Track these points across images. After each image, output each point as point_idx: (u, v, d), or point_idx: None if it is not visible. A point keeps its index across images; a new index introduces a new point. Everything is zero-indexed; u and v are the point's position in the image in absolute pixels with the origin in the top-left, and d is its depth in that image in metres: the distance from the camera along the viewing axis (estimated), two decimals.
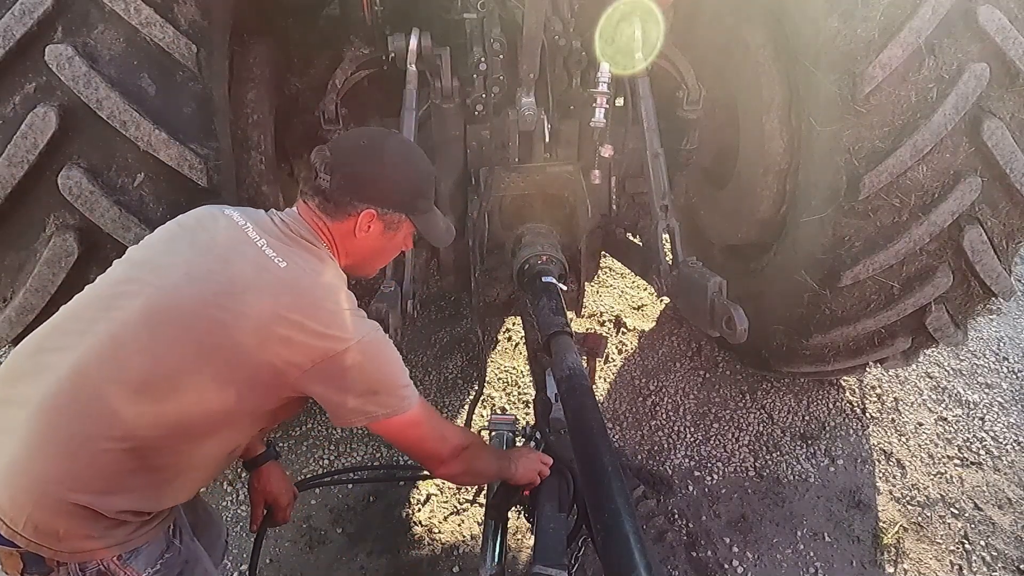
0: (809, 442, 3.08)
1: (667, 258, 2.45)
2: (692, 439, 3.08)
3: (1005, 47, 2.00)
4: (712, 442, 3.07)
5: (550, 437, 1.85)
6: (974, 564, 2.64)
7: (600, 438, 1.56)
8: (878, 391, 3.34)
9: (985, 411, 3.25)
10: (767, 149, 2.57)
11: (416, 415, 1.48)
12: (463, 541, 2.66)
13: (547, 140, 2.46)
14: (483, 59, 2.28)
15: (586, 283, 2.96)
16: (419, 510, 2.76)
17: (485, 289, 2.74)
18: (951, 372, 3.44)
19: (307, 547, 2.63)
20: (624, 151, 2.63)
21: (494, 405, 3.20)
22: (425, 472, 2.64)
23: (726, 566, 2.60)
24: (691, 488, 2.88)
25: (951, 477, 2.95)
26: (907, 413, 3.24)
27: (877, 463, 3.01)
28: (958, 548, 2.70)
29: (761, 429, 3.13)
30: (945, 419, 3.21)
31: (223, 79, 2.14)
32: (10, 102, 1.78)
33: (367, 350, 1.38)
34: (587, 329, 3.58)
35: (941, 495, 2.88)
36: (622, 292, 3.89)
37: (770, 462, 2.99)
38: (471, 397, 3.19)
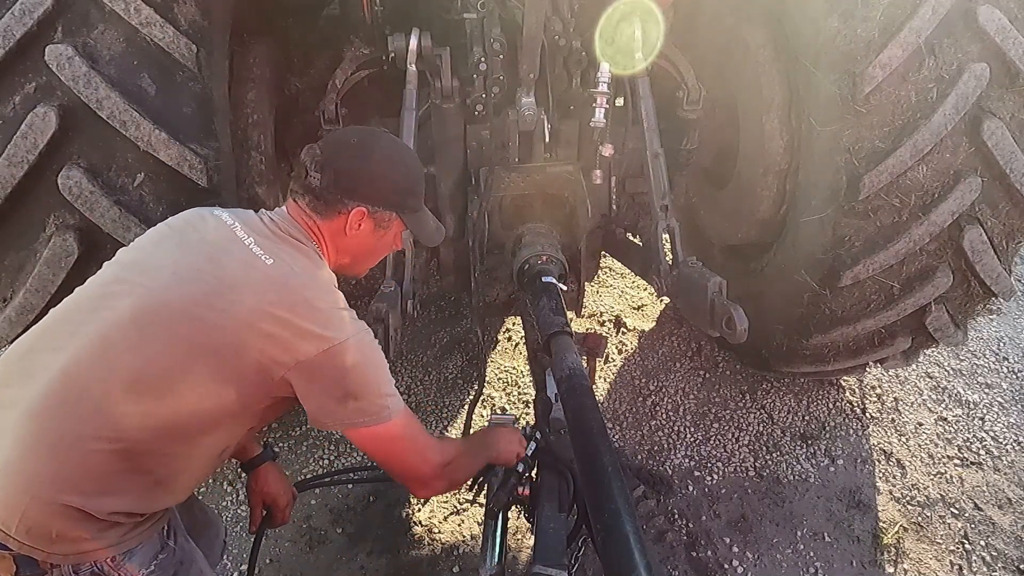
0: (809, 442, 3.08)
1: (667, 258, 2.45)
2: (692, 439, 3.08)
3: (1005, 47, 2.00)
4: (712, 442, 3.07)
5: (550, 437, 1.85)
6: (974, 564, 2.64)
7: (600, 438, 1.56)
8: (878, 391, 3.34)
9: (985, 411, 3.25)
10: (767, 149, 2.57)
11: (395, 428, 1.45)
12: (463, 541, 2.66)
13: (547, 140, 2.46)
14: (483, 59, 2.28)
15: (586, 283, 2.96)
16: (419, 510, 2.76)
17: (485, 289, 2.74)
18: (951, 372, 3.44)
19: (307, 547, 2.63)
20: (624, 151, 2.63)
21: (494, 405, 3.20)
22: None
23: (726, 566, 2.60)
24: (691, 488, 2.88)
25: (951, 477, 2.95)
26: (907, 413, 3.24)
27: (877, 463, 3.01)
28: (958, 548, 2.70)
29: (761, 429, 3.13)
30: (945, 419, 3.21)
31: (223, 79, 2.14)
32: (10, 102, 1.78)
33: (352, 351, 1.36)
34: (587, 329, 3.58)
35: (941, 495, 2.88)
36: (622, 292, 3.89)
37: (770, 462, 2.99)
38: (471, 397, 3.19)
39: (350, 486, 2.83)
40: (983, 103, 2.04)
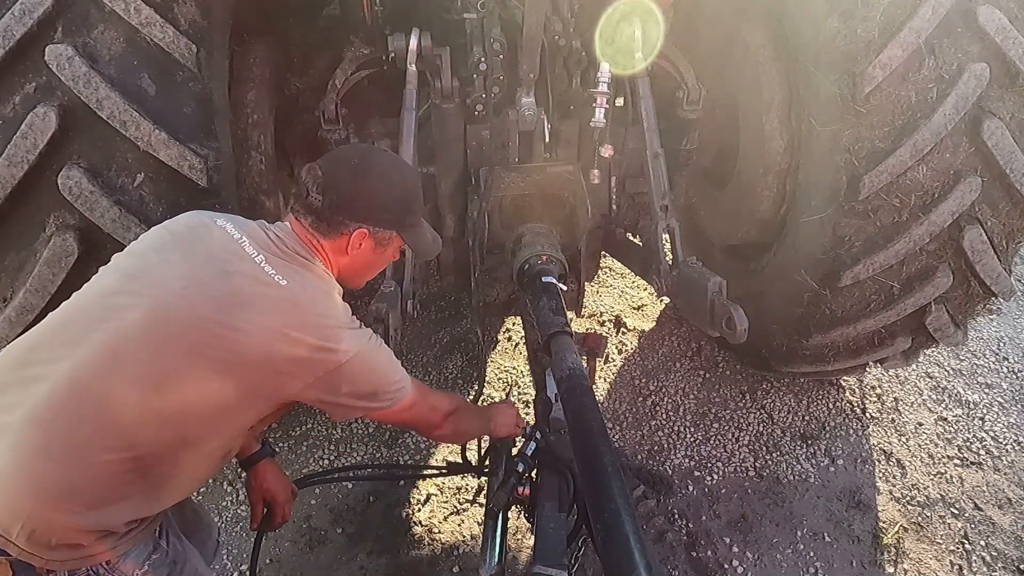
0: (809, 442, 3.08)
1: (667, 258, 2.45)
2: (692, 439, 3.08)
3: (1005, 47, 2.00)
4: (712, 442, 3.07)
5: (550, 437, 1.85)
6: (974, 564, 2.64)
7: (600, 438, 1.56)
8: (878, 391, 3.34)
9: (985, 411, 3.25)
10: (767, 149, 2.57)
11: (410, 401, 1.58)
12: (463, 541, 2.66)
13: (547, 140, 2.46)
14: (483, 59, 2.28)
15: (586, 283, 2.96)
16: (419, 510, 2.76)
17: (485, 289, 2.74)
18: (951, 372, 3.44)
19: (307, 547, 2.63)
20: (624, 151, 2.63)
21: None
22: (424, 472, 2.64)
23: (726, 566, 2.60)
24: (691, 488, 2.88)
25: (951, 477, 2.95)
26: (907, 413, 3.24)
27: (877, 463, 3.01)
28: (958, 548, 2.70)
29: (761, 429, 3.13)
30: (945, 419, 3.21)
31: (223, 79, 2.14)
32: (10, 102, 1.78)
33: (365, 360, 1.45)
34: (587, 329, 3.58)
35: (941, 495, 2.88)
36: (622, 292, 3.89)
37: (770, 462, 2.99)
38: (471, 397, 3.19)
39: (350, 486, 2.84)
40: (983, 103, 2.04)
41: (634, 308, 3.79)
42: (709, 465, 2.97)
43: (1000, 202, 2.17)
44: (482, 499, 2.74)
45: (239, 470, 2.83)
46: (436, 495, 2.82)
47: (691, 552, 2.64)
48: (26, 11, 1.72)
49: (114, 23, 1.79)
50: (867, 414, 3.23)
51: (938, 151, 2.08)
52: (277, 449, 1.96)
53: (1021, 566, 2.64)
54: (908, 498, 2.87)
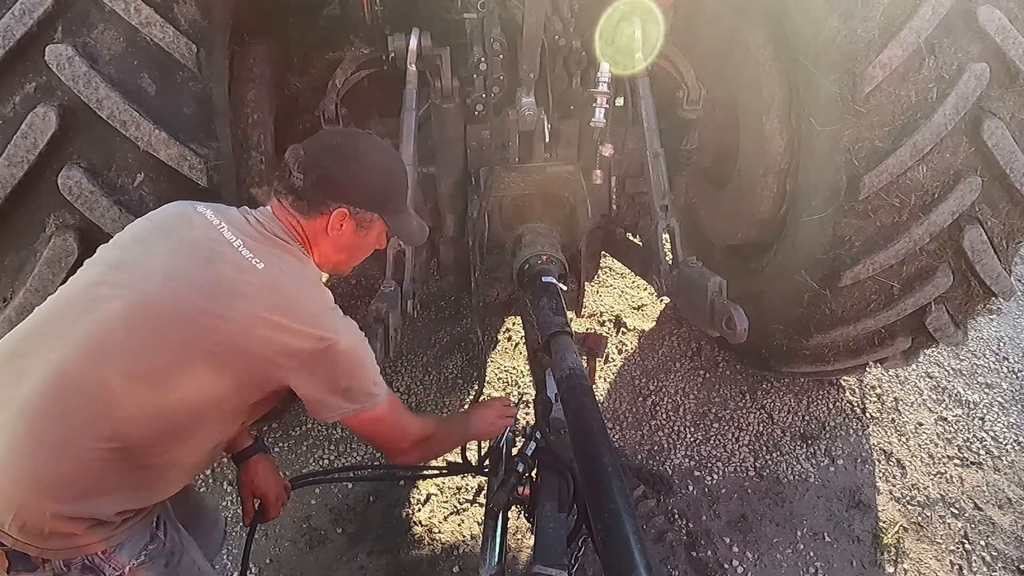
0: (809, 442, 3.08)
1: (667, 258, 2.45)
2: (692, 439, 3.08)
3: (1005, 47, 2.00)
4: (712, 442, 3.07)
5: (550, 437, 1.85)
6: (974, 564, 2.64)
7: (600, 438, 1.56)
8: (878, 391, 3.34)
9: (985, 411, 3.25)
10: (767, 149, 2.57)
11: (382, 411, 1.53)
12: (463, 541, 2.66)
13: (547, 140, 2.45)
14: (483, 59, 2.28)
15: (586, 283, 2.96)
16: (419, 510, 2.76)
17: (485, 289, 2.74)
18: (951, 372, 3.44)
19: (307, 547, 2.63)
20: (624, 151, 2.63)
21: None
22: (424, 472, 2.63)
23: (726, 566, 2.60)
24: (691, 488, 2.88)
25: (951, 477, 2.95)
26: (907, 413, 3.24)
27: (877, 463, 3.01)
28: (958, 548, 2.70)
29: (761, 429, 3.13)
30: (945, 419, 3.21)
31: (223, 79, 2.14)
32: (10, 102, 1.78)
33: (347, 348, 1.42)
34: (587, 329, 3.58)
35: (941, 495, 2.88)
36: (622, 292, 3.89)
37: (770, 462, 2.99)
38: (471, 397, 3.20)
39: (350, 486, 2.84)
40: (983, 103, 2.04)
41: (634, 308, 3.79)
42: (709, 465, 2.97)
43: (1000, 202, 2.17)
44: (482, 499, 2.74)
45: None
46: (436, 495, 2.82)
47: (691, 552, 2.64)
48: (26, 11, 1.72)
49: (114, 23, 1.80)
50: (867, 414, 3.23)
51: (938, 151, 2.08)
52: (274, 448, 1.94)
53: (1021, 566, 2.64)
54: (908, 498, 2.87)
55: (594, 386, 1.98)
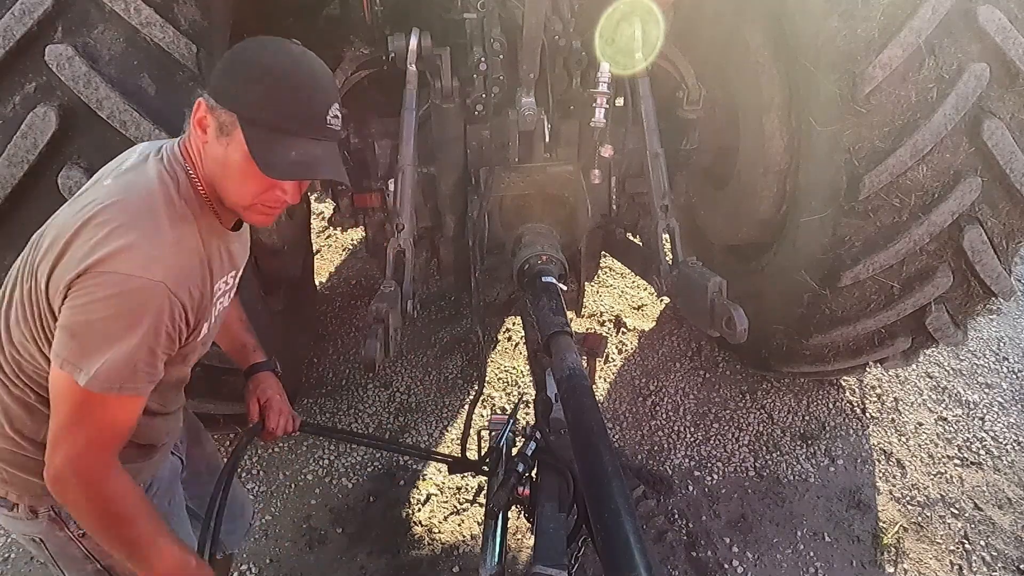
0: (809, 442, 3.08)
1: (667, 258, 2.45)
2: (692, 439, 3.08)
3: (1005, 47, 2.00)
4: (712, 442, 3.07)
5: (550, 437, 1.85)
6: (974, 564, 2.64)
7: (600, 438, 1.56)
8: (878, 391, 3.34)
9: (985, 411, 3.25)
10: (767, 149, 2.57)
11: (80, 395, 1.20)
12: (463, 541, 2.66)
13: (547, 140, 2.46)
14: (483, 59, 2.28)
15: (586, 283, 2.96)
16: (419, 510, 2.76)
17: (485, 289, 2.74)
18: (951, 372, 3.44)
19: (307, 547, 2.63)
20: (624, 151, 2.63)
21: (494, 405, 3.20)
22: (425, 455, 2.59)
23: (726, 566, 2.60)
24: (691, 488, 2.88)
25: (951, 477, 2.95)
26: (907, 413, 3.24)
27: (877, 463, 3.01)
28: (958, 548, 2.70)
29: (761, 429, 3.13)
30: (945, 419, 3.21)
31: None
32: (10, 102, 1.78)
33: (106, 288, 1.17)
34: (587, 329, 3.58)
35: (941, 495, 2.88)
36: (622, 292, 3.89)
37: (770, 462, 2.99)
38: (471, 397, 3.20)
39: (350, 486, 2.84)
40: (983, 103, 2.05)
41: (634, 308, 3.79)
42: (709, 465, 2.97)
43: (1000, 202, 2.17)
44: (482, 499, 2.74)
45: (254, 472, 2.83)
46: (436, 495, 2.82)
47: (691, 552, 2.64)
48: (26, 11, 1.72)
49: (114, 23, 1.80)
50: (867, 414, 3.23)
51: (938, 151, 2.08)
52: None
53: (1021, 566, 2.64)
54: (908, 498, 2.87)
55: (594, 386, 1.98)
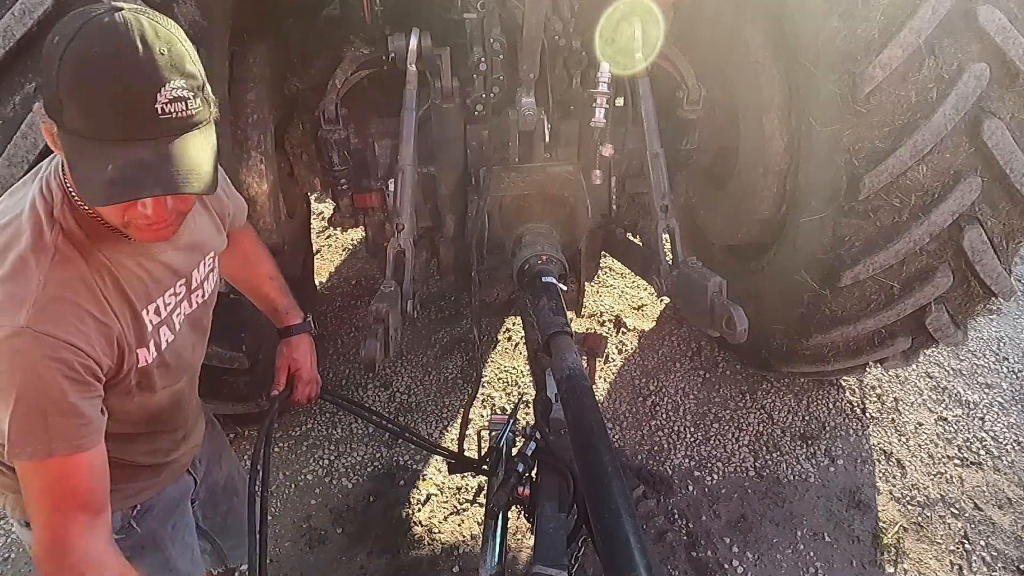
0: (809, 442, 3.08)
1: (667, 258, 2.45)
2: (692, 439, 3.08)
3: (1005, 47, 2.00)
4: (712, 442, 3.07)
5: (550, 437, 1.85)
6: (974, 564, 2.64)
7: (600, 438, 1.56)
8: (878, 391, 3.34)
9: (985, 411, 3.25)
10: (767, 149, 2.57)
11: (24, 470, 1.10)
12: (463, 541, 2.66)
13: (547, 140, 2.46)
14: (483, 59, 2.28)
15: (586, 283, 2.96)
16: (419, 510, 2.76)
17: (485, 289, 2.74)
18: (951, 372, 3.44)
19: (307, 547, 2.63)
20: (624, 151, 2.63)
21: (494, 405, 3.20)
22: (431, 446, 2.58)
23: (726, 566, 2.60)
24: (691, 488, 2.88)
25: (951, 477, 2.95)
26: (907, 413, 3.24)
27: (877, 463, 3.01)
28: (958, 548, 2.70)
29: (761, 429, 3.13)
30: (945, 419, 3.21)
31: (223, 79, 2.13)
32: (10, 102, 1.78)
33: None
34: (587, 329, 3.58)
35: (941, 495, 2.88)
36: (622, 292, 3.89)
37: (770, 462, 2.99)
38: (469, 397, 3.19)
39: (350, 486, 2.84)
40: (983, 103, 2.04)
41: (634, 308, 3.79)
42: (709, 465, 2.97)
43: (1000, 202, 2.17)
44: (482, 499, 2.74)
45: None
46: (436, 495, 2.82)
47: (691, 552, 2.64)
48: (26, 11, 1.72)
49: None
50: (867, 414, 3.23)
51: (938, 151, 2.08)
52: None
53: (1021, 566, 2.64)
54: (908, 498, 2.87)
55: (594, 386, 1.98)
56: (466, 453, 2.12)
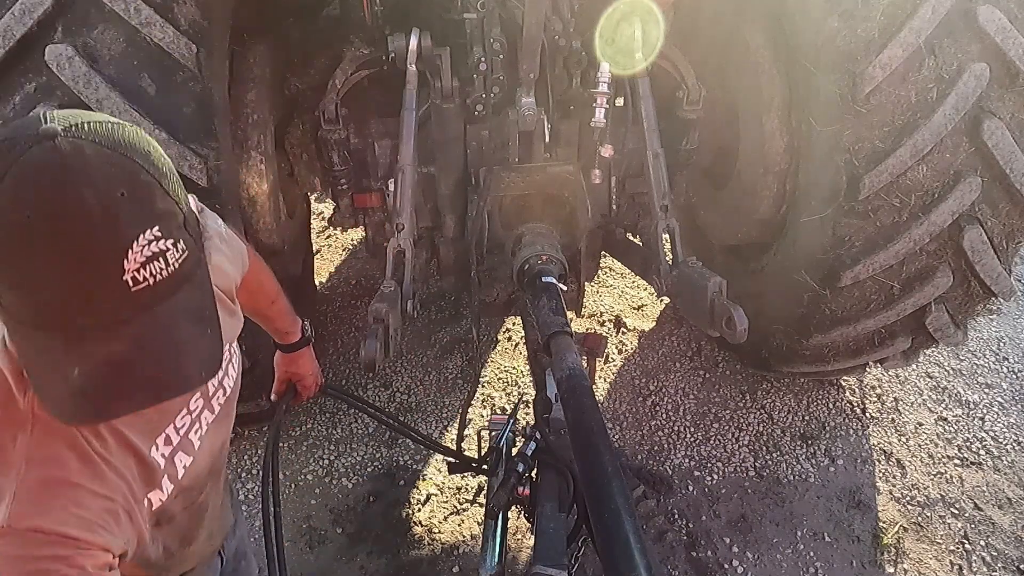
0: (809, 442, 3.08)
1: (667, 258, 2.45)
2: (692, 439, 3.08)
3: (1005, 47, 2.00)
4: (712, 442, 3.07)
5: (550, 437, 1.85)
6: (974, 564, 2.64)
7: (600, 438, 1.56)
8: (878, 391, 3.34)
9: (985, 411, 3.25)
10: (767, 149, 2.57)
11: None
12: (463, 541, 2.66)
13: (547, 140, 2.46)
14: (483, 59, 2.28)
15: (586, 283, 2.96)
16: (419, 510, 2.76)
17: (485, 289, 2.74)
18: (951, 372, 3.44)
19: (307, 547, 2.63)
20: (624, 151, 2.63)
21: (494, 405, 3.20)
22: (431, 444, 2.57)
23: (726, 566, 2.60)
24: (691, 488, 2.88)
25: (951, 477, 2.95)
26: (907, 413, 3.24)
27: (877, 463, 3.01)
28: (958, 548, 2.70)
29: (761, 429, 3.13)
30: (945, 419, 3.21)
31: (223, 79, 2.13)
32: (10, 102, 1.78)
33: None
34: (587, 329, 3.58)
35: (941, 495, 2.88)
36: (622, 292, 3.89)
37: (770, 462, 2.99)
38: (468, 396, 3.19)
39: (350, 486, 2.84)
40: (983, 103, 2.05)
41: (634, 308, 3.79)
42: (709, 465, 2.97)
43: (1000, 202, 2.17)
44: (482, 499, 2.74)
45: (247, 469, 2.83)
46: (436, 495, 2.82)
47: (691, 552, 2.64)
48: (26, 11, 1.72)
49: (114, 23, 1.79)
50: (867, 414, 3.23)
51: (938, 151, 2.08)
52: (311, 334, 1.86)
53: (1021, 566, 2.64)
54: (908, 498, 2.87)
55: (594, 386, 1.98)
56: (466, 453, 2.12)
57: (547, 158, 2.55)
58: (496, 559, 1.68)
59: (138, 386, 0.76)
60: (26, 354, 0.76)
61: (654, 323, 3.69)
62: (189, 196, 0.85)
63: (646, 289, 3.84)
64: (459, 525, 2.71)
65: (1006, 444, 3.10)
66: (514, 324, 3.57)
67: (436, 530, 2.69)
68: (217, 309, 0.85)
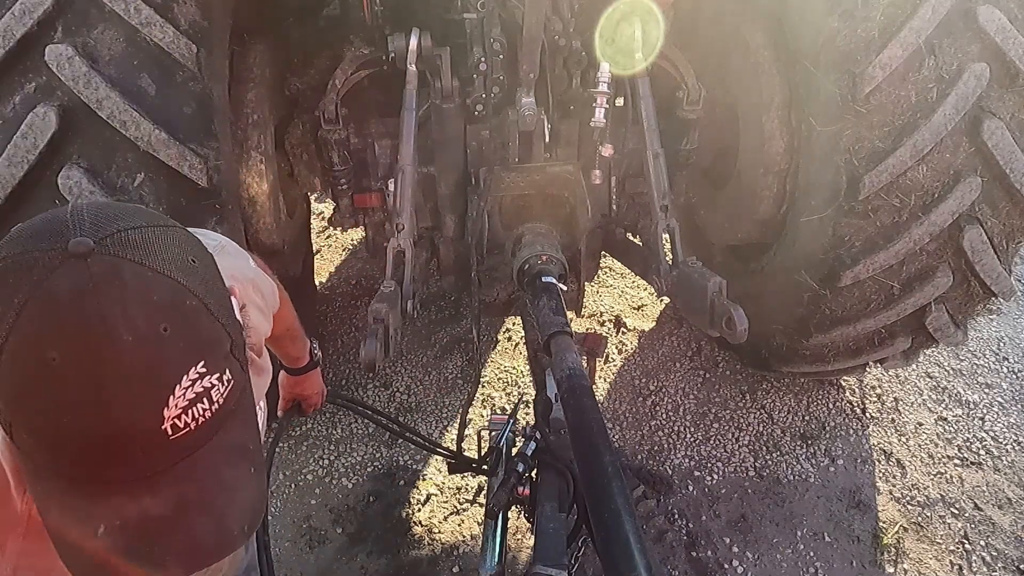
0: (809, 442, 3.08)
1: (667, 258, 2.46)
2: (692, 439, 3.08)
3: (1005, 47, 2.00)
4: (712, 442, 3.07)
5: (550, 437, 1.85)
6: (974, 564, 2.64)
7: (600, 438, 1.56)
8: (878, 391, 3.34)
9: (985, 411, 3.25)
10: (767, 149, 2.57)
11: None
12: (463, 541, 2.66)
13: (547, 140, 2.46)
14: (483, 59, 2.28)
15: (586, 283, 2.96)
16: (419, 510, 2.76)
17: (485, 289, 2.74)
18: (951, 372, 3.44)
19: (307, 547, 2.63)
20: (624, 151, 2.63)
21: (494, 405, 3.20)
22: (432, 446, 2.56)
23: (726, 566, 2.60)
24: (691, 488, 2.88)
25: (951, 477, 2.95)
26: (907, 413, 3.24)
27: (877, 463, 3.01)
28: (958, 548, 2.70)
29: (761, 429, 3.13)
30: (945, 419, 3.21)
31: (223, 79, 2.13)
32: (10, 102, 1.78)
33: None
34: (587, 329, 3.58)
35: (941, 495, 2.88)
36: (622, 292, 3.89)
37: (770, 462, 2.99)
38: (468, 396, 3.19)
39: (350, 485, 2.84)
40: (983, 103, 2.04)
41: (634, 308, 3.79)
42: (709, 465, 2.97)
43: (1000, 202, 2.17)
44: (482, 499, 2.74)
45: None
46: (436, 495, 2.82)
47: (691, 552, 2.64)
48: (26, 11, 1.72)
49: (114, 23, 1.79)
50: (867, 414, 3.23)
51: (938, 151, 2.08)
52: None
53: (1021, 566, 2.64)
54: (908, 498, 2.87)
55: (594, 386, 1.98)
56: (466, 453, 2.12)
57: (547, 158, 2.55)
58: (496, 559, 1.68)
59: (170, 551, 0.64)
60: (42, 499, 0.65)
61: (654, 323, 3.69)
62: (222, 238, 0.77)
63: (646, 289, 3.84)
64: (459, 525, 2.71)
65: (1006, 444, 3.10)
66: (514, 324, 3.57)
67: (436, 530, 2.69)
68: (261, 438, 0.72)
